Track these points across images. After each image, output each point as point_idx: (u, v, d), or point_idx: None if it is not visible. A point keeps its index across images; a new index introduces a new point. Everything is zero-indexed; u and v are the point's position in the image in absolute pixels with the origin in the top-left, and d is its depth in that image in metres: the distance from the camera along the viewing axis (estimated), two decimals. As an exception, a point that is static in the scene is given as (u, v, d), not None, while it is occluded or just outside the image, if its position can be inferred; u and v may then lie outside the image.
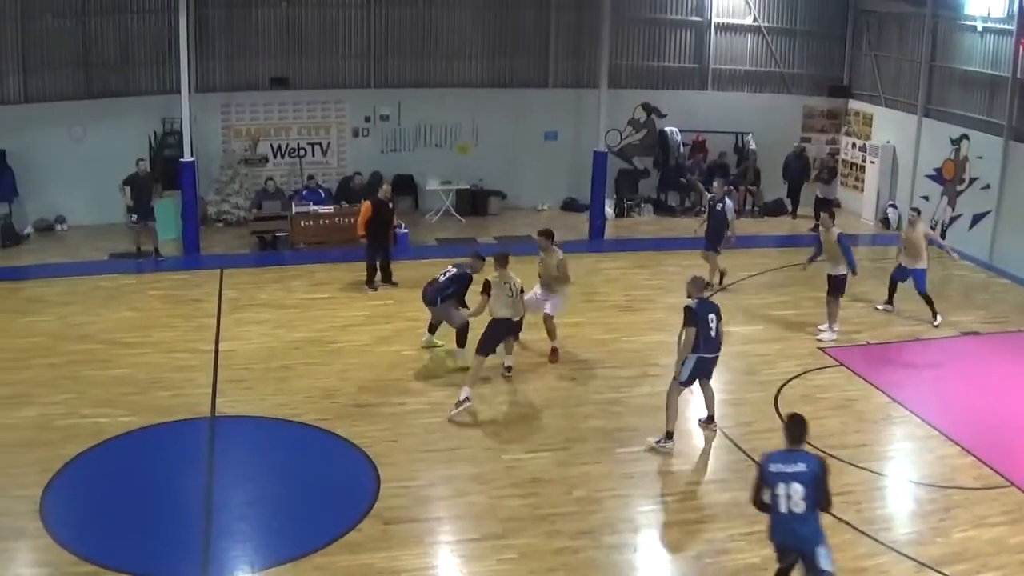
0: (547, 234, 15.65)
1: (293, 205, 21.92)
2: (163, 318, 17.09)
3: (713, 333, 12.58)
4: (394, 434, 13.02)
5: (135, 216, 20.26)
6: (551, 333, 15.61)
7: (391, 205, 18.98)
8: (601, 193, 23.36)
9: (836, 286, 16.92)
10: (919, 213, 18.05)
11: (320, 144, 24.24)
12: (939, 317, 17.79)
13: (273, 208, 21.92)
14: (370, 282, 18.86)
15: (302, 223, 21.53)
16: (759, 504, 8.81)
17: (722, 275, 19.65)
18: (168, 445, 12.65)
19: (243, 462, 12.32)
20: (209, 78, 22.55)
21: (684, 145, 26.40)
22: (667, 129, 26.22)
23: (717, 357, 12.87)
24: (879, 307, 18.51)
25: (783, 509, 8.54)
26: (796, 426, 8.84)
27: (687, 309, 12.50)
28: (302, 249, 21.21)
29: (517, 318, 14.41)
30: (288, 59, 23.45)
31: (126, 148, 21.42)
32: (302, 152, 24.09)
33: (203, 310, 17.48)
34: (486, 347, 13.93)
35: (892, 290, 18.43)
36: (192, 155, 20.64)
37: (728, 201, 19.50)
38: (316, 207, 21.87)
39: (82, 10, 21.95)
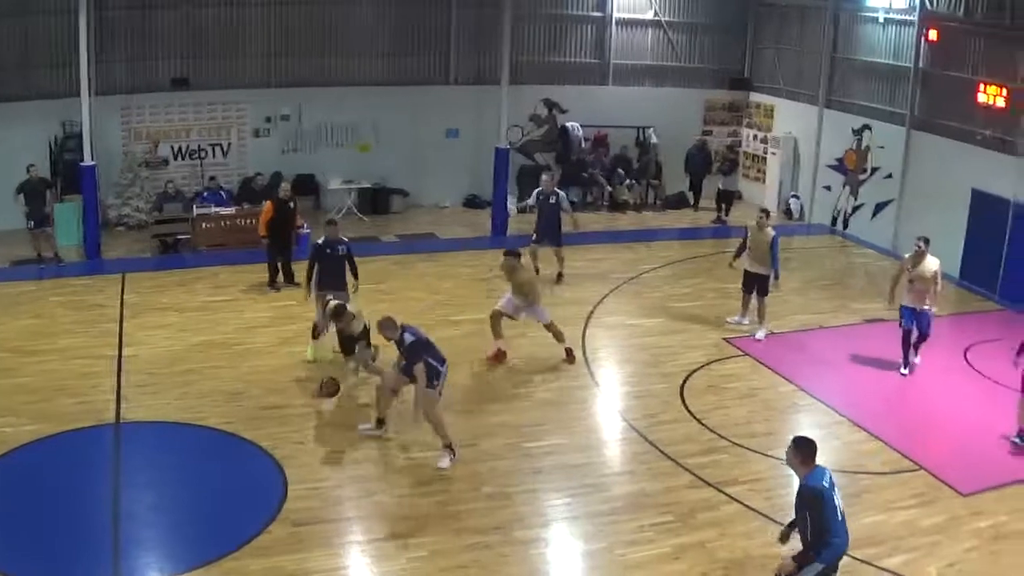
0: (516, 255, 15.93)
1: (194, 207, 21.85)
2: (65, 324, 16.99)
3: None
4: (301, 436, 13.19)
5: (32, 223, 20.02)
6: (559, 337, 15.87)
7: (292, 205, 19.08)
8: (503, 189, 23.69)
9: (763, 287, 17.15)
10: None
11: (221, 145, 24.15)
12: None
13: (174, 210, 21.86)
14: (272, 283, 18.98)
15: (203, 225, 21.47)
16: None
17: (559, 275, 20.04)
18: (73, 453, 12.61)
19: (149, 468, 12.32)
20: (109, 80, 22.32)
21: (586, 140, 26.78)
22: (569, 124, 26.62)
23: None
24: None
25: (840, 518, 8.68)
26: (809, 444, 8.86)
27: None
28: (204, 251, 21.14)
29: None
30: (189, 60, 23.32)
31: (25, 153, 21.03)
32: (203, 154, 23.98)
33: (106, 315, 17.40)
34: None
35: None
36: (92, 159, 20.46)
37: (560, 193, 20.10)
38: (217, 209, 21.84)
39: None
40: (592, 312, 18.36)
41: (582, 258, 21.22)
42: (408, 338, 12.49)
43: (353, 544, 10.90)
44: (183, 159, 23.88)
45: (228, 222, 21.59)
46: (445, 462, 12.45)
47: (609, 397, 14.89)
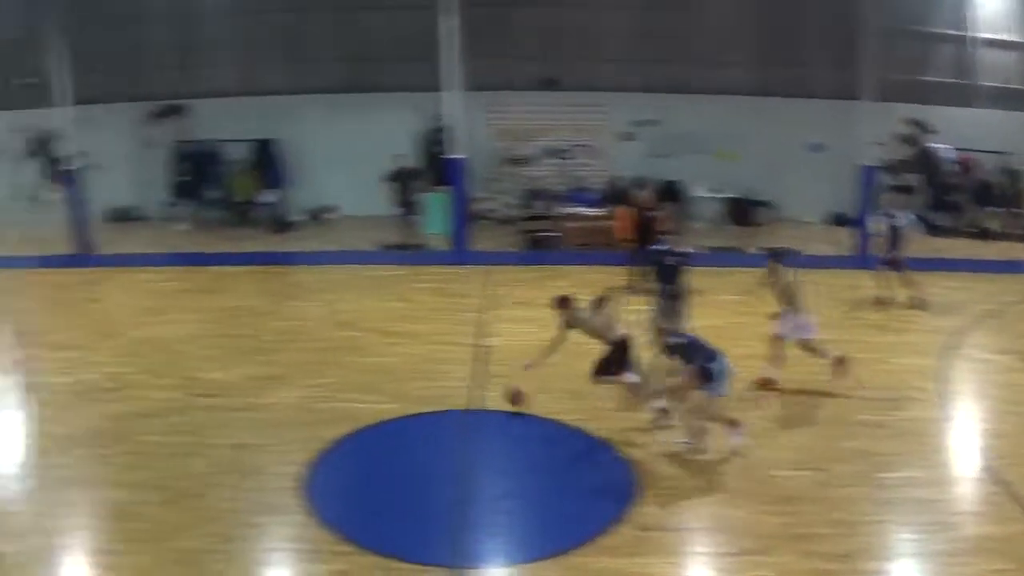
0: (778, 255, 14.90)
1: (561, 206, 21.91)
2: (428, 310, 17.47)
3: None
4: (654, 440, 12.60)
5: (400, 210, 20.76)
6: (823, 354, 14.71)
7: (654, 211, 18.55)
8: (868, 208, 22.10)
9: None
10: None
11: (587, 146, 24.14)
12: None
13: (540, 208, 22.03)
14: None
15: (569, 224, 21.51)
16: None
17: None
18: (425, 433, 12.85)
19: (497, 456, 12.35)
20: (477, 76, 22.83)
21: (952, 163, 24.66)
22: (935, 146, 24.55)
23: None
24: None
25: None
26: None
27: None
28: (568, 250, 21.10)
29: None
30: (552, 61, 23.46)
31: (395, 142, 21.88)
32: (569, 154, 24.04)
33: (467, 304, 17.67)
34: None
35: None
36: (461, 152, 20.91)
37: (904, 214, 18.63)
38: (583, 209, 21.78)
39: (353, 5, 22.59)
40: (949, 342, 16.67)
41: (939, 285, 19.40)
42: (678, 340, 12.23)
43: (698, 555, 10.37)
44: (549, 158, 24.02)
45: (592, 223, 21.50)
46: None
47: (964, 433, 13.41)
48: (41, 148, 24.20)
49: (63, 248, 22.07)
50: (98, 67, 23.58)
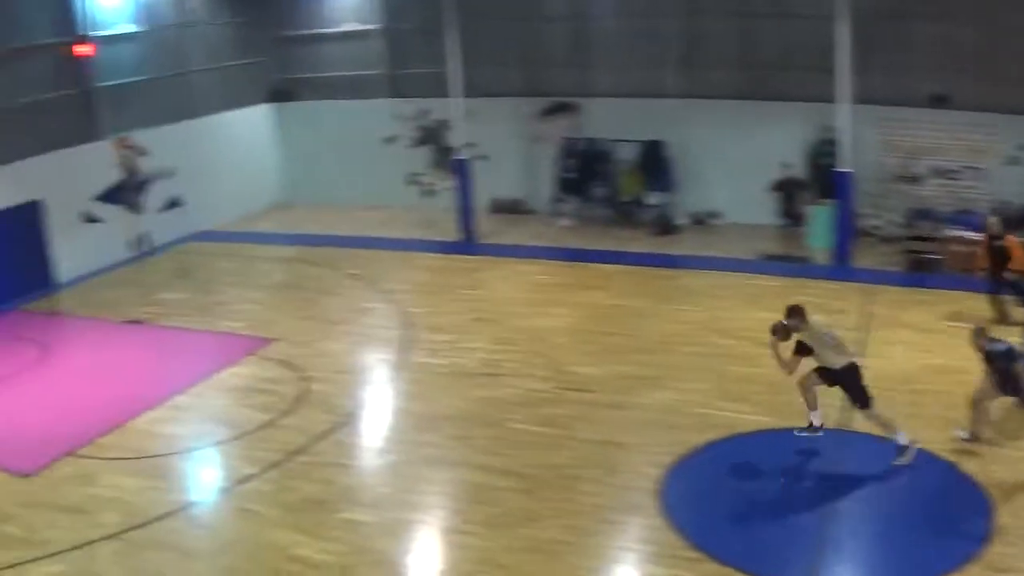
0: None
1: (947, 228, 20.14)
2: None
3: None
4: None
5: (784, 220, 19.88)
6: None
7: (1000, 239, 16.69)
8: None
9: None
10: None
11: (975, 168, 22.00)
12: None
13: (926, 228, 20.36)
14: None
15: (954, 247, 19.71)
16: None
17: None
18: (786, 449, 12.19)
19: (860, 479, 11.55)
20: (868, 90, 21.41)
21: None
22: None
23: None
24: None
25: None
26: None
27: None
28: (953, 274, 19.33)
29: None
30: (948, 78, 21.54)
31: (782, 152, 21.14)
32: (957, 175, 22.06)
33: (845, 323, 16.44)
34: None
35: None
36: (849, 166, 19.72)
37: None
38: (970, 233, 19.87)
39: (750, 12, 21.95)
40: None
41: None
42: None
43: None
44: (937, 177, 22.18)
45: (976, 248, 19.52)
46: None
47: None
48: (433, 137, 25.31)
49: (448, 235, 22.98)
50: (492, 60, 24.43)
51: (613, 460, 12.01)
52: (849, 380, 11.72)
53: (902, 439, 11.71)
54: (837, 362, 11.67)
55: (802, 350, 11.85)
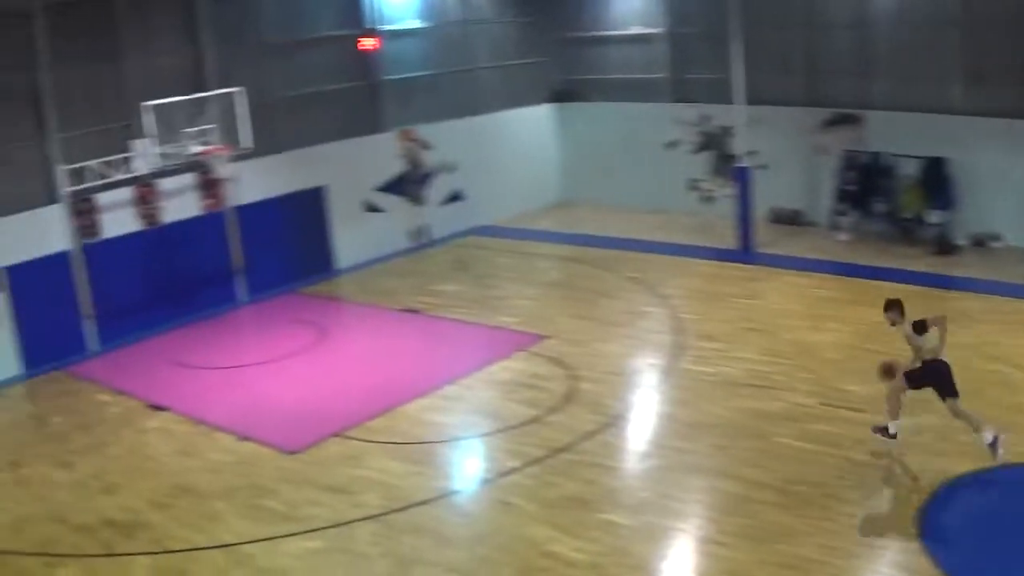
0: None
1: None
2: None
3: None
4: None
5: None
6: None
7: None
8: None
9: None
10: None
11: None
12: None
13: None
14: None
15: None
16: None
17: None
18: None
19: None
20: None
21: None
22: None
23: None
24: None
25: None
26: None
27: None
28: None
29: None
30: None
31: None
32: None
33: None
34: None
35: None
36: None
37: None
38: None
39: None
40: None
41: None
42: None
43: None
44: None
45: None
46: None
47: None
48: (714, 143, 25.36)
49: (725, 242, 23.03)
50: (775, 68, 24.32)
51: (876, 482, 11.82)
52: (941, 374, 12.06)
53: (988, 436, 11.60)
54: (937, 353, 12.17)
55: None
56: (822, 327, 17.20)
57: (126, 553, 11.71)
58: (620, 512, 11.49)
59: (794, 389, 14.61)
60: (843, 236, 22.73)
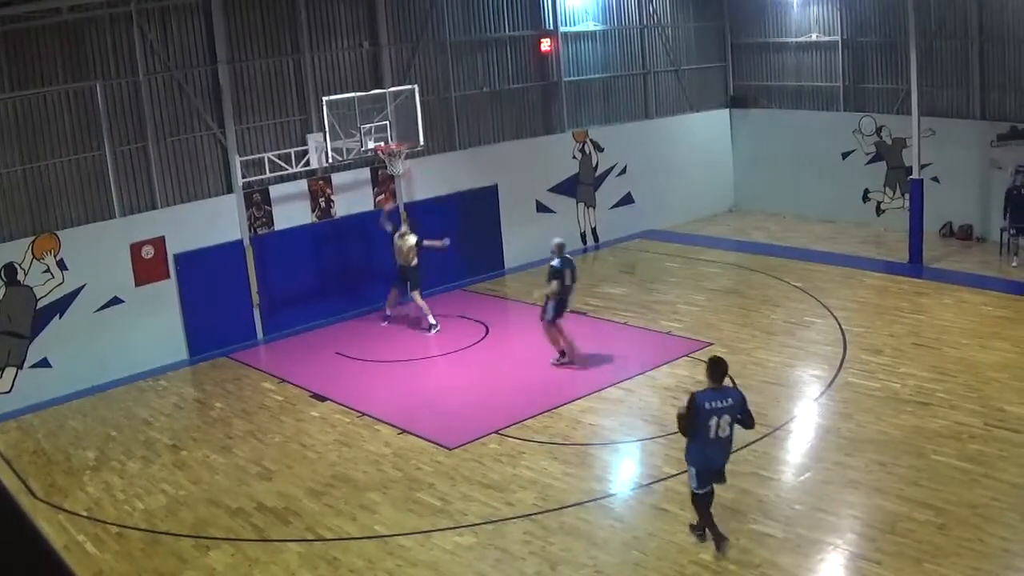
0: None
1: None
2: None
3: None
4: None
5: None
6: None
7: None
8: None
9: None
10: None
11: None
12: None
13: None
14: None
15: None
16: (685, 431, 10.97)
17: None
18: None
19: None
20: None
21: None
22: None
23: None
24: None
25: (712, 436, 10.70)
26: (716, 366, 11.00)
27: None
28: None
29: None
30: None
31: None
32: None
33: None
34: None
35: None
36: None
37: None
38: None
39: None
40: None
41: None
42: None
43: None
44: None
45: None
46: None
47: None
48: (888, 154, 25.07)
49: (896, 255, 22.86)
50: (951, 81, 24.02)
51: None
52: None
53: None
54: None
55: None
56: (990, 346, 16.94)
57: (279, 539, 12.44)
58: (772, 524, 11.64)
59: (957, 408, 14.49)
60: (1015, 263, 21.65)
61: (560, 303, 17.35)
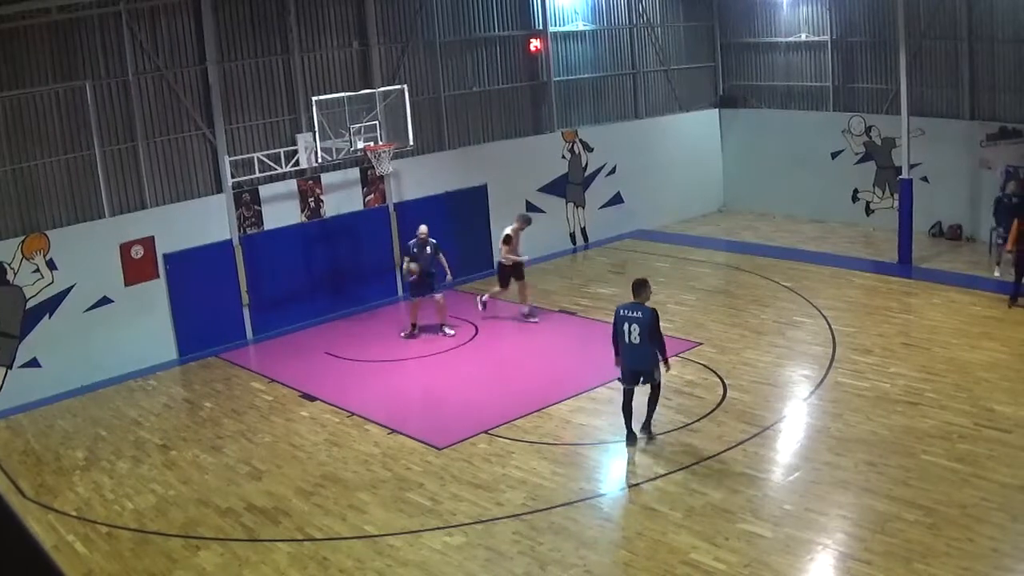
0: None
1: None
2: None
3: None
4: None
5: None
6: None
7: None
8: None
9: None
10: None
11: None
12: None
13: None
14: None
15: None
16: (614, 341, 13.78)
17: None
18: None
19: None
20: None
21: None
22: None
23: None
24: None
25: (627, 340, 13.51)
26: (638, 284, 13.83)
27: None
28: None
29: None
30: None
31: None
32: None
33: None
34: None
35: None
36: None
37: None
38: None
39: None
40: None
41: None
42: None
43: None
44: None
45: None
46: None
47: None
48: (877, 154, 25.16)
49: (885, 255, 22.93)
50: (939, 81, 24.06)
51: (1021, 506, 11.61)
52: None
53: None
54: None
55: None
56: (979, 345, 16.97)
57: (268, 539, 12.42)
58: (762, 524, 11.64)
59: (946, 407, 14.51)
60: (998, 272, 20.94)
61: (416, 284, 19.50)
